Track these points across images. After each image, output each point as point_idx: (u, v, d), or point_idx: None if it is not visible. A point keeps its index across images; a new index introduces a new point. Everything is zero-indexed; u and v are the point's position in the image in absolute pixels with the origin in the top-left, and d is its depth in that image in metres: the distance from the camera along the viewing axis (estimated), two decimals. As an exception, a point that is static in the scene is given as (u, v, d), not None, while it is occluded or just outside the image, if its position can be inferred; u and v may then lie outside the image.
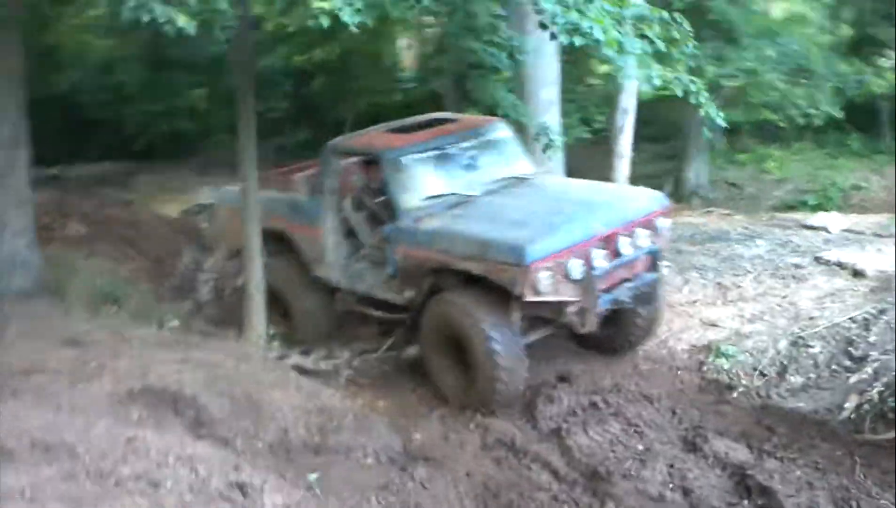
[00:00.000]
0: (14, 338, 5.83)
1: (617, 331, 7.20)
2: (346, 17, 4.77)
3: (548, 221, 6.52)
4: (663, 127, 15.44)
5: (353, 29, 4.83)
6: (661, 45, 5.67)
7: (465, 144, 7.43)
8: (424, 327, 6.80)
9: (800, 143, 16.08)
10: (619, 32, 5.38)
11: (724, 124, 6.16)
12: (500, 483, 5.53)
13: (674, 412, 6.35)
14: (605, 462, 5.68)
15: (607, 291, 6.52)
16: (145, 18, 4.54)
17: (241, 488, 4.30)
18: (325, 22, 4.76)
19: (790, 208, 13.01)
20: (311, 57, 17.30)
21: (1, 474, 3.77)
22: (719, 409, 6.48)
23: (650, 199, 7.14)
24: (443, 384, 6.79)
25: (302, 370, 7.14)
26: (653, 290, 6.95)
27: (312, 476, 5.18)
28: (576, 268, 6.25)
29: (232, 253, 8.29)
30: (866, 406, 6.29)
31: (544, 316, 6.67)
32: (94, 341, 6.15)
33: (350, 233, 7.64)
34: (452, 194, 7.06)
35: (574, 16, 5.09)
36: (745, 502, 5.29)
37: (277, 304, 7.79)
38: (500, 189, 7.22)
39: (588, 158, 10.91)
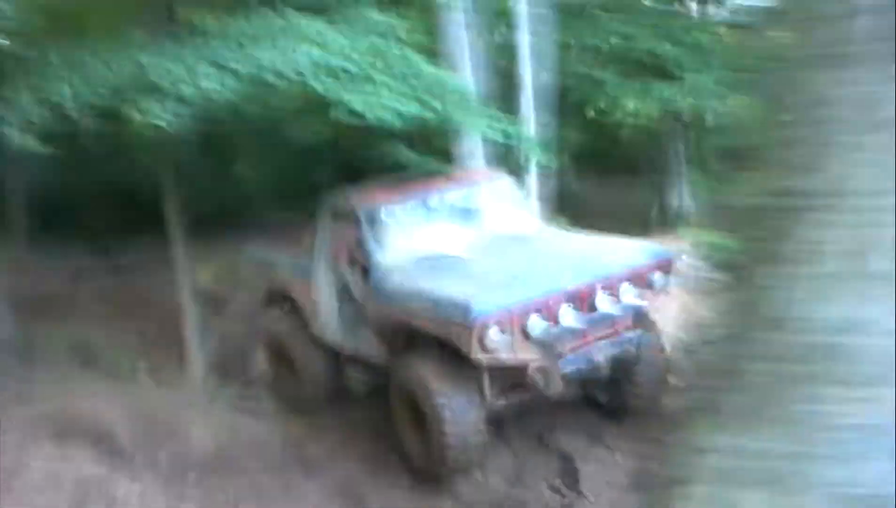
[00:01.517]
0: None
1: (615, 395, 6.75)
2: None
3: (506, 276, 6.21)
4: (651, 158, 16.15)
5: None
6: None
7: (453, 199, 7.25)
8: (391, 387, 6.58)
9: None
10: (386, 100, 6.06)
11: (549, 164, 6.79)
12: (365, 489, 6.39)
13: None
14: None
15: (577, 351, 5.97)
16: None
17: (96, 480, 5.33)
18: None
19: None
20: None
21: None
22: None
23: (643, 251, 6.60)
24: (406, 445, 6.52)
25: (234, 405, 8.14)
26: (639, 350, 6.30)
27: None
28: (535, 325, 5.86)
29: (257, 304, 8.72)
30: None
31: (516, 379, 6.09)
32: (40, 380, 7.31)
33: (346, 290, 7.36)
34: (432, 251, 6.80)
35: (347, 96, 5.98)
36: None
37: (287, 361, 8.00)
38: (484, 246, 6.90)
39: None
